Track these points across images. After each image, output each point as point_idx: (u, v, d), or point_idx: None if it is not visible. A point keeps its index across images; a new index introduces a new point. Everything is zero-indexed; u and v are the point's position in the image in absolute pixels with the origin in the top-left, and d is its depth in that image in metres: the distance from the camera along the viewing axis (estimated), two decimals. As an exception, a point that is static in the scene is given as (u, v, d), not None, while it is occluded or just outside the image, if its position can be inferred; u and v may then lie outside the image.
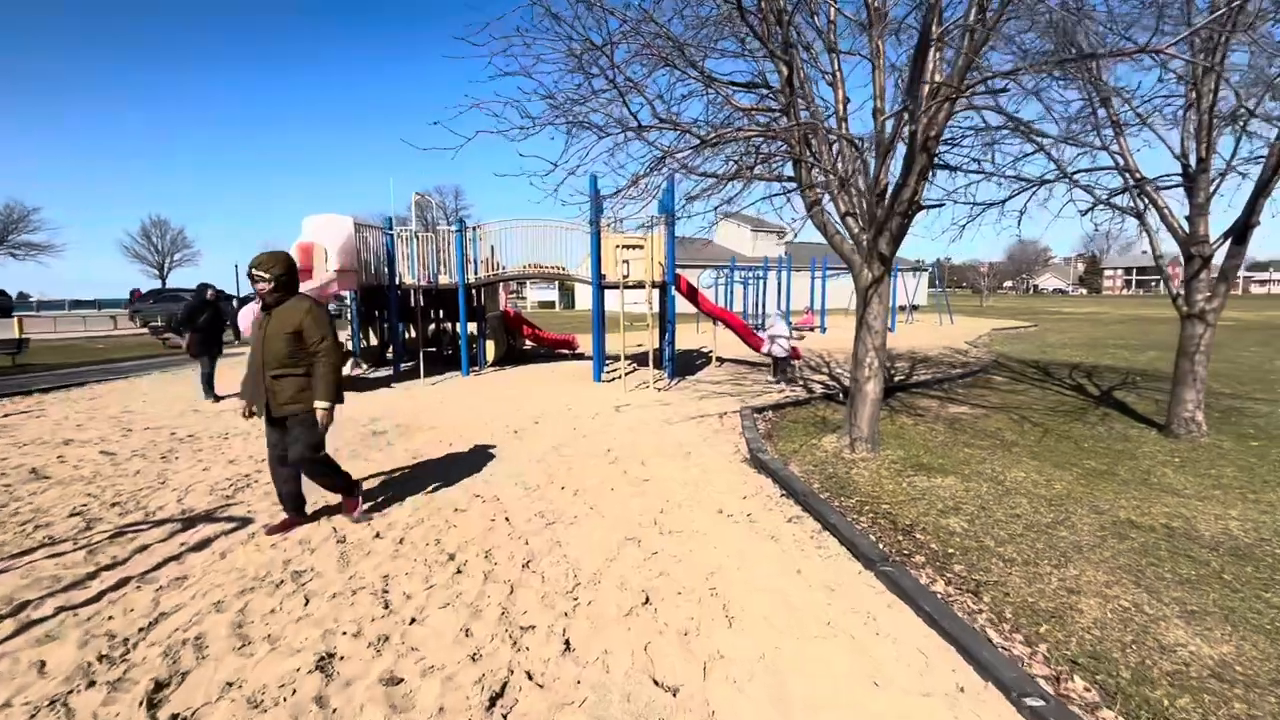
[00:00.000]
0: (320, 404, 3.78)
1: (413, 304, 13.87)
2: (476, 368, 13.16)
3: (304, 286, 10.40)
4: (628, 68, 5.05)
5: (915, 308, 35.37)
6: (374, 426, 7.45)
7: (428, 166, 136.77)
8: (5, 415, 8.14)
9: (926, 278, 45.03)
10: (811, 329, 23.65)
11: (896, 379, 10.94)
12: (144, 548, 3.80)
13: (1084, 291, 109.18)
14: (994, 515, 4.57)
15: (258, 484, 5.13)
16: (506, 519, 4.23)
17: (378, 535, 3.97)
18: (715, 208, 6.52)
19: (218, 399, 9.37)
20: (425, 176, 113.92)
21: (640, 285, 10.54)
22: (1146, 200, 6.58)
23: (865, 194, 5.59)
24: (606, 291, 11.68)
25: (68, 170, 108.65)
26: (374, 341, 14.42)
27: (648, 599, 3.14)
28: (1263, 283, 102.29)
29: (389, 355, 12.62)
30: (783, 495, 4.76)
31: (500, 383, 11.05)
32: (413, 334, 16.96)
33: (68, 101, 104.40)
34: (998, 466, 5.70)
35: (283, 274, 3.80)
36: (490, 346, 13.69)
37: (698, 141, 5.21)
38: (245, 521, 4.24)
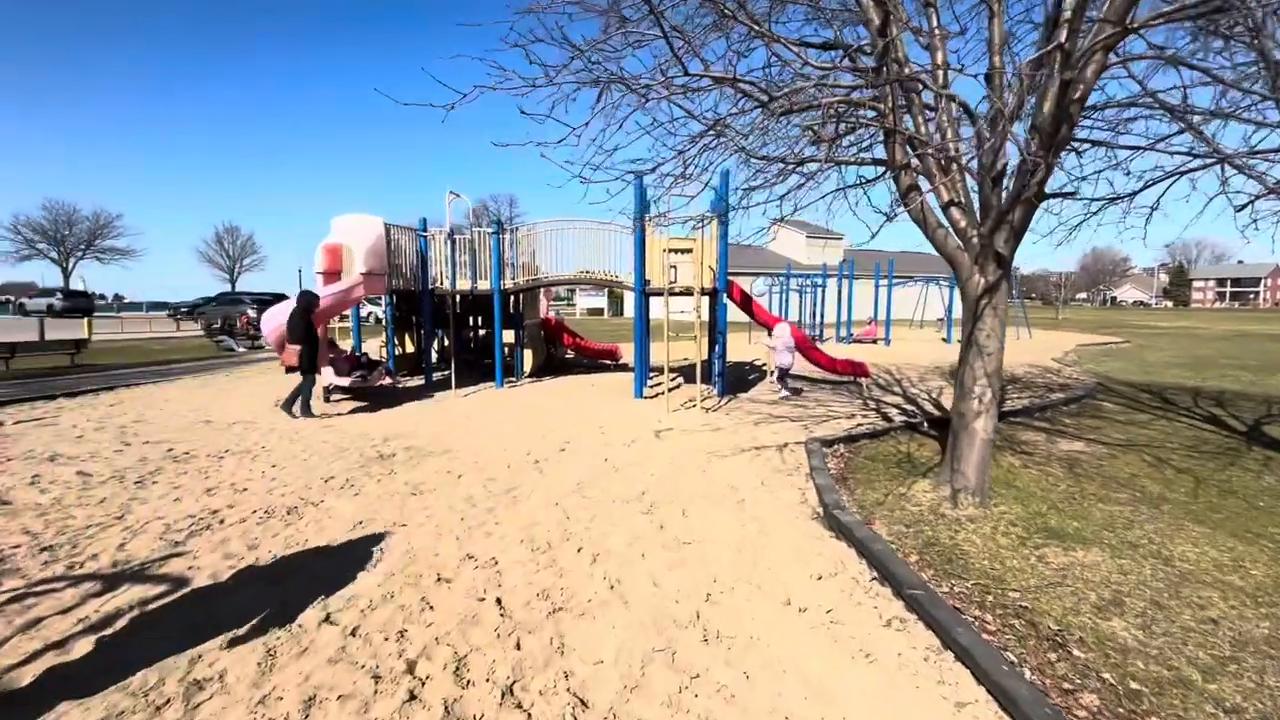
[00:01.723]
0: None
1: (448, 310, 13.20)
2: (513, 378, 12.33)
3: (330, 289, 9.79)
4: (673, 15, 3.98)
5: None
6: (384, 448, 6.60)
7: (488, 176, 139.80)
8: (16, 423, 7.73)
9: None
10: (874, 341, 21.93)
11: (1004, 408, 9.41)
12: (33, 624, 2.94)
13: (1169, 304, 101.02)
14: (1177, 618, 3.24)
15: (222, 525, 4.28)
16: (499, 600, 3.17)
17: (327, 619, 2.99)
18: (781, 197, 5.36)
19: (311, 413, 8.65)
20: (483, 184, 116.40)
21: (688, 292, 9.42)
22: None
23: (979, 175, 4.32)
24: (654, 298, 10.64)
25: (148, 176, 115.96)
26: (410, 349, 13.83)
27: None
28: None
29: (451, 362, 11.95)
30: (874, 578, 3.53)
31: (534, 396, 10.13)
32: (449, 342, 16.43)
33: (149, 107, 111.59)
34: (1154, 534, 4.31)
35: None
36: (528, 356, 12.84)
37: (760, 105, 4.06)
38: (176, 585, 3.35)
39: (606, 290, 51.14)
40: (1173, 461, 6.22)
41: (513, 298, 12.86)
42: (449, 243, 11.75)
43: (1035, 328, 27.22)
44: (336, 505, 4.70)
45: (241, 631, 2.86)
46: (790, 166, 5.56)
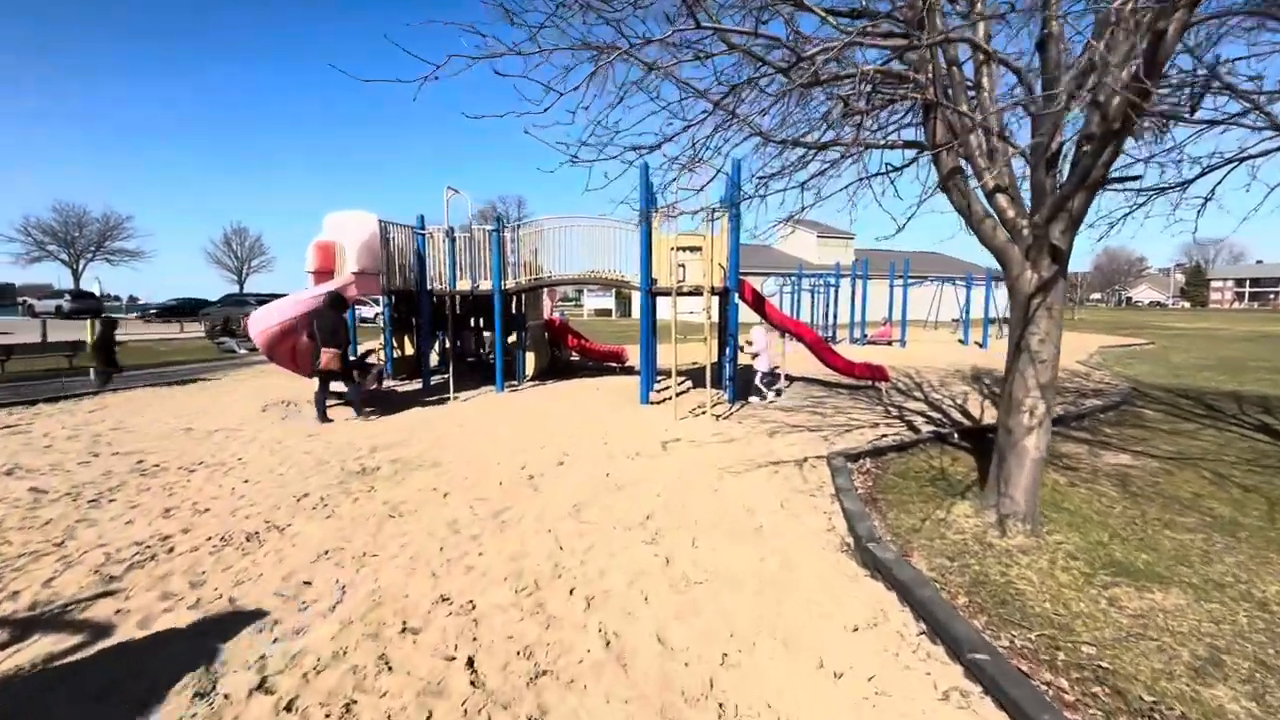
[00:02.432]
0: None
1: (447, 311, 12.72)
2: (514, 382, 11.82)
3: (321, 288, 9.33)
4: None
5: (1007, 320, 32.04)
6: (368, 460, 6.09)
7: (495, 177, 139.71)
8: (-15, 430, 7.30)
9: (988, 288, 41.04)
10: (889, 343, 21.27)
11: (1015, 410, 8.80)
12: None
13: (1185, 305, 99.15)
14: (1299, 685, 2.67)
15: (170, 555, 3.78)
16: (471, 661, 2.64)
17: (262, 684, 2.47)
18: (803, 184, 4.81)
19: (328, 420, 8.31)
20: (491, 186, 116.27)
21: (697, 292, 8.88)
22: None
23: (1033, 155, 3.75)
24: (662, 299, 10.11)
25: (159, 177, 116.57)
26: (410, 351, 13.36)
27: None
28: None
29: (450, 366, 11.46)
30: (921, 632, 2.96)
31: (535, 402, 9.61)
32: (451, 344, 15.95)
33: (161, 109, 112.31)
34: (1238, 569, 3.72)
35: None
36: (530, 359, 12.33)
37: (781, 70, 3.51)
38: (96, 634, 2.85)
39: (614, 291, 50.63)
40: (1235, 478, 5.60)
41: (514, 298, 12.36)
42: (448, 241, 11.27)
43: None
44: (304, 530, 4.19)
45: (153, 704, 2.34)
46: (812, 152, 5.03)
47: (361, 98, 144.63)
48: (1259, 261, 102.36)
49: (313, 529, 4.20)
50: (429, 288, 11.17)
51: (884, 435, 6.88)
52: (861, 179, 5.73)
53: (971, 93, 4.16)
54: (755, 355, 9.81)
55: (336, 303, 8.53)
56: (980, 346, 20.35)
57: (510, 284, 11.27)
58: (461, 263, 11.44)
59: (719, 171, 4.94)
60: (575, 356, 14.79)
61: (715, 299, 9.88)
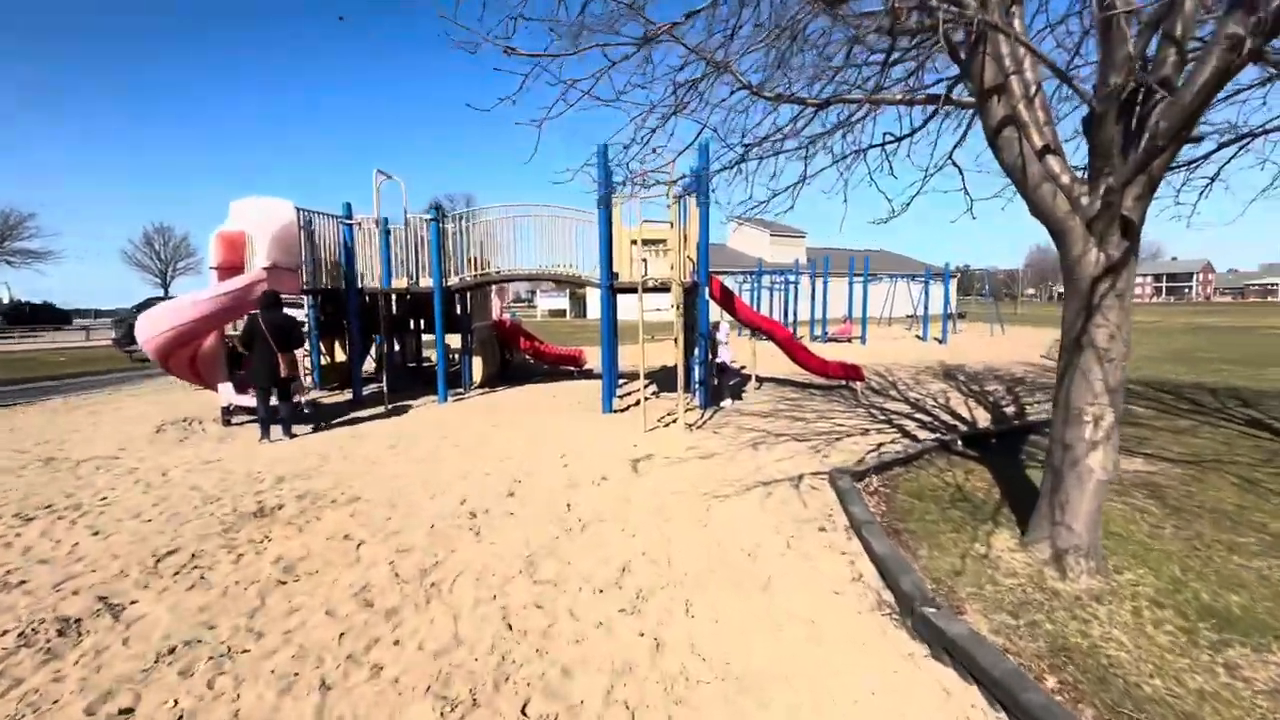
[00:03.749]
0: None
1: (382, 312, 11.41)
2: (460, 390, 10.64)
3: (223, 287, 7.95)
4: None
5: (963, 315, 32.48)
6: (271, 496, 4.90)
7: (444, 174, 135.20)
8: None
9: (954, 285, 41.95)
10: (849, 340, 20.94)
11: (1006, 409, 8.24)
12: None
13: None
14: None
15: (-70, 667, 2.58)
16: None
17: None
18: (803, 146, 3.94)
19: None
20: (437, 183, 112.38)
21: (663, 288, 7.96)
22: None
23: (1100, 98, 2.97)
24: (623, 296, 9.15)
25: (72, 177, 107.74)
26: (341, 358, 11.97)
27: None
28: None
29: (384, 373, 10.12)
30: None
31: (482, 414, 8.48)
32: (397, 348, 14.53)
33: (72, 109, 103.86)
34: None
35: None
36: (477, 364, 11.16)
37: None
38: None
39: (568, 290, 49.32)
40: (1264, 483, 5.06)
41: (458, 298, 11.17)
42: (382, 232, 9.99)
43: (990, 323, 26.55)
44: (151, 612, 3.03)
45: None
46: (805, 116, 4.18)
47: (297, 85, 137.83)
48: (1174, 258, 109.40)
49: (163, 610, 3.05)
50: (359, 285, 9.87)
51: (881, 445, 6.11)
52: (854, 152, 4.98)
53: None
54: (723, 344, 9.01)
55: (274, 301, 7.27)
56: (939, 342, 20.25)
57: (453, 281, 10.09)
58: (398, 257, 10.19)
59: (697, 138, 4.02)
60: (531, 360, 13.67)
61: (683, 295, 9.00)
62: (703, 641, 2.70)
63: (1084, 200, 3.19)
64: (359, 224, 9.71)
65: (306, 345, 11.44)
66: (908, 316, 29.05)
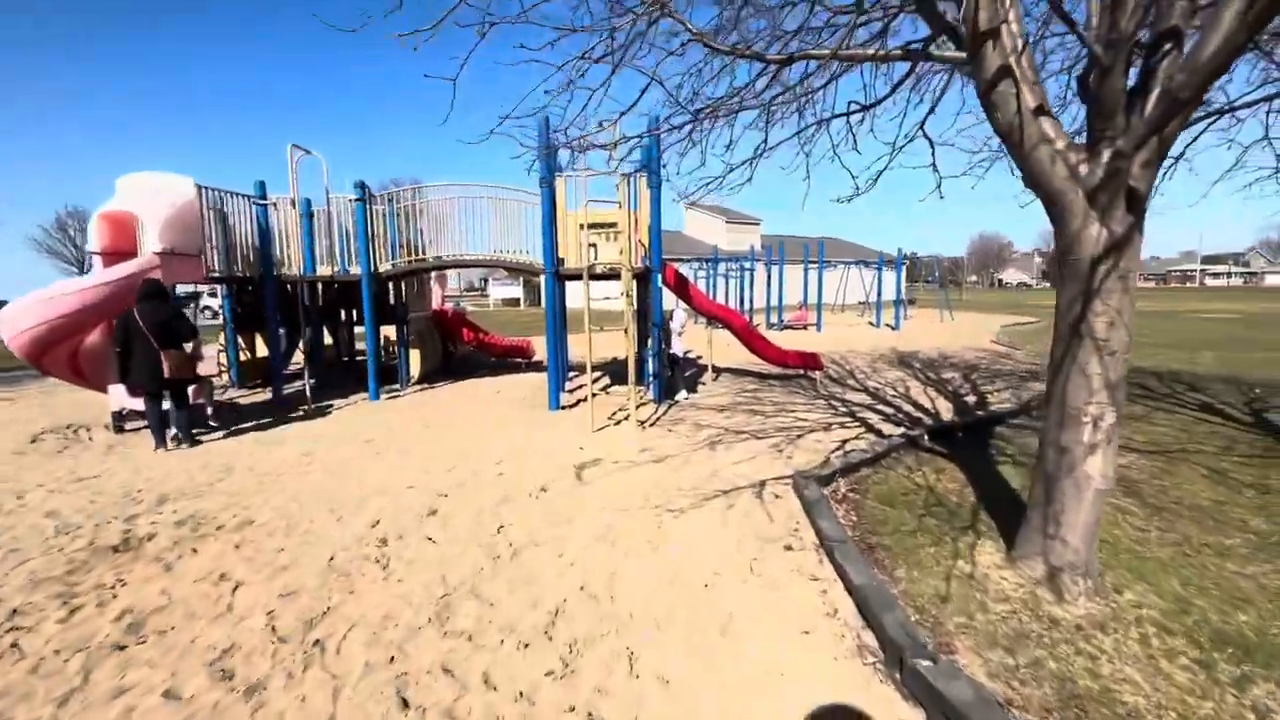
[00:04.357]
0: None
1: (308, 302, 10.43)
2: (396, 386, 9.81)
3: (107, 275, 6.93)
4: None
5: (913, 302, 32.98)
6: (144, 521, 4.11)
7: (388, 159, 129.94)
8: None
9: (903, 272, 42.72)
10: (805, 327, 20.83)
11: (966, 399, 8.02)
12: None
13: (1047, 285, 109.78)
14: None
15: None
16: None
17: None
18: (763, 111, 3.41)
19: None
20: (383, 168, 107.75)
21: (613, 274, 7.36)
22: None
23: (1106, 45, 2.53)
24: (575, 283, 8.50)
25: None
26: (264, 352, 10.92)
27: None
28: (1216, 275, 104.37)
29: (305, 369, 9.14)
30: None
31: (415, 413, 7.73)
32: (330, 341, 13.47)
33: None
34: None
35: None
36: (415, 357, 10.32)
37: None
38: None
39: (522, 278, 48.04)
40: (1231, 473, 4.89)
41: (393, 286, 10.29)
42: (305, 215, 9.04)
43: (938, 310, 26.98)
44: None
45: None
46: (770, 69, 3.64)
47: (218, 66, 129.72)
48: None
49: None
50: (279, 273, 8.90)
51: (845, 442, 5.71)
52: (819, 122, 4.50)
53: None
54: (677, 334, 8.50)
55: (156, 291, 6.27)
56: (892, 329, 20.34)
57: (385, 268, 9.23)
58: (324, 242, 9.26)
59: (639, 100, 3.43)
60: (479, 351, 12.86)
61: (635, 282, 8.43)
62: (650, 715, 2.16)
63: (1083, 169, 2.77)
64: (274, 204, 8.73)
65: (222, 340, 10.38)
66: (860, 303, 29.33)
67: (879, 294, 22.19)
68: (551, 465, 5.22)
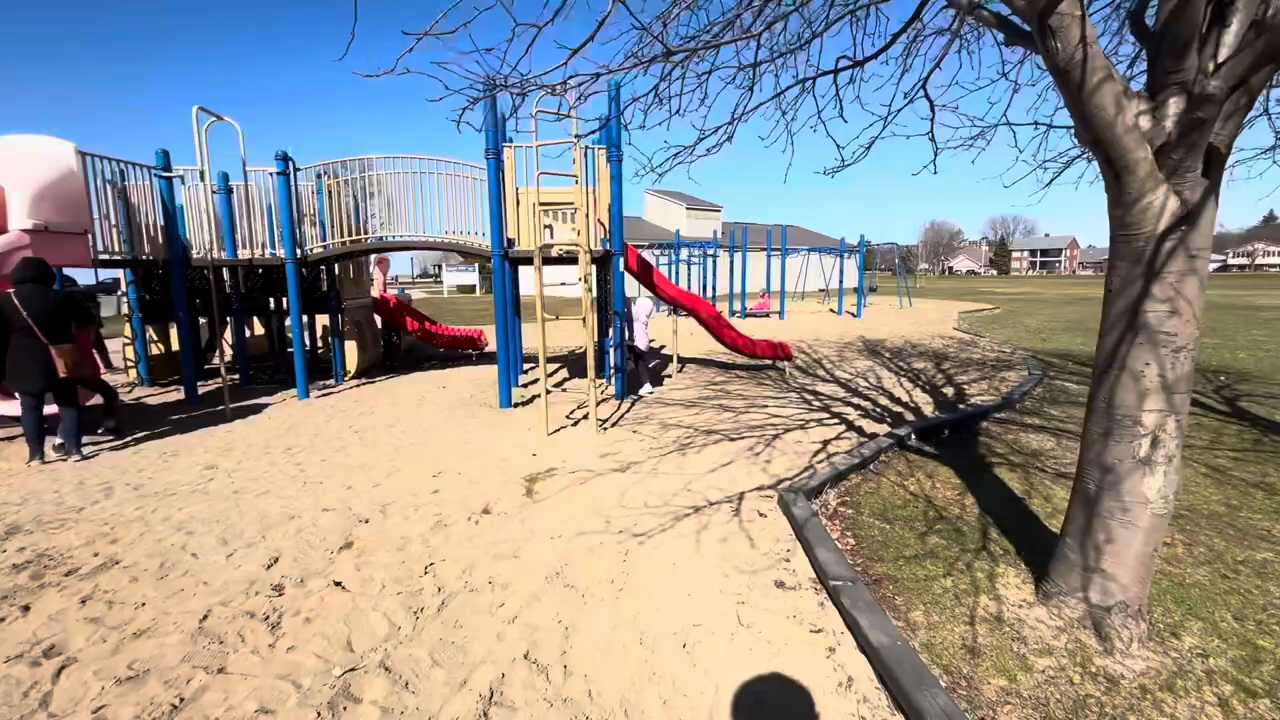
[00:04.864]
0: None
1: (228, 289, 9.34)
2: (330, 382, 8.88)
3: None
4: None
5: (874, 289, 33.11)
6: (-29, 567, 3.24)
7: (332, 139, 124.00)
8: None
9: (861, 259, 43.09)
10: (767, 314, 20.51)
11: (944, 390, 7.64)
12: None
13: (994, 272, 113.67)
14: None
15: None
16: None
17: None
18: (747, 38, 2.78)
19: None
20: (323, 146, 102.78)
21: (568, 259, 6.64)
22: None
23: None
24: (529, 268, 7.73)
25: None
26: (175, 347, 9.78)
27: None
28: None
29: (221, 366, 8.07)
30: None
31: (347, 415, 6.88)
32: (260, 332, 12.30)
33: None
34: None
35: None
36: (350, 351, 9.38)
37: None
38: None
39: (478, 264, 46.42)
40: (1233, 472, 4.58)
41: (325, 271, 9.30)
42: (223, 190, 7.98)
43: (898, 297, 27.09)
44: None
45: None
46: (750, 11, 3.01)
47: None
48: (1046, 235, 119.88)
49: None
50: (185, 255, 7.83)
51: (826, 443, 5.19)
52: (801, 82, 3.91)
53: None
54: (640, 323, 7.87)
55: (38, 274, 5.27)
56: (854, 316, 20.21)
57: (314, 250, 8.27)
58: (245, 222, 8.22)
59: (598, 30, 2.74)
60: (434, 342, 11.93)
61: (594, 266, 7.73)
62: None
63: (1144, 122, 2.22)
64: (179, 177, 7.64)
65: (129, 332, 9.19)
66: (820, 290, 29.28)
67: (841, 281, 22.03)
68: (498, 478, 4.52)
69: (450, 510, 3.88)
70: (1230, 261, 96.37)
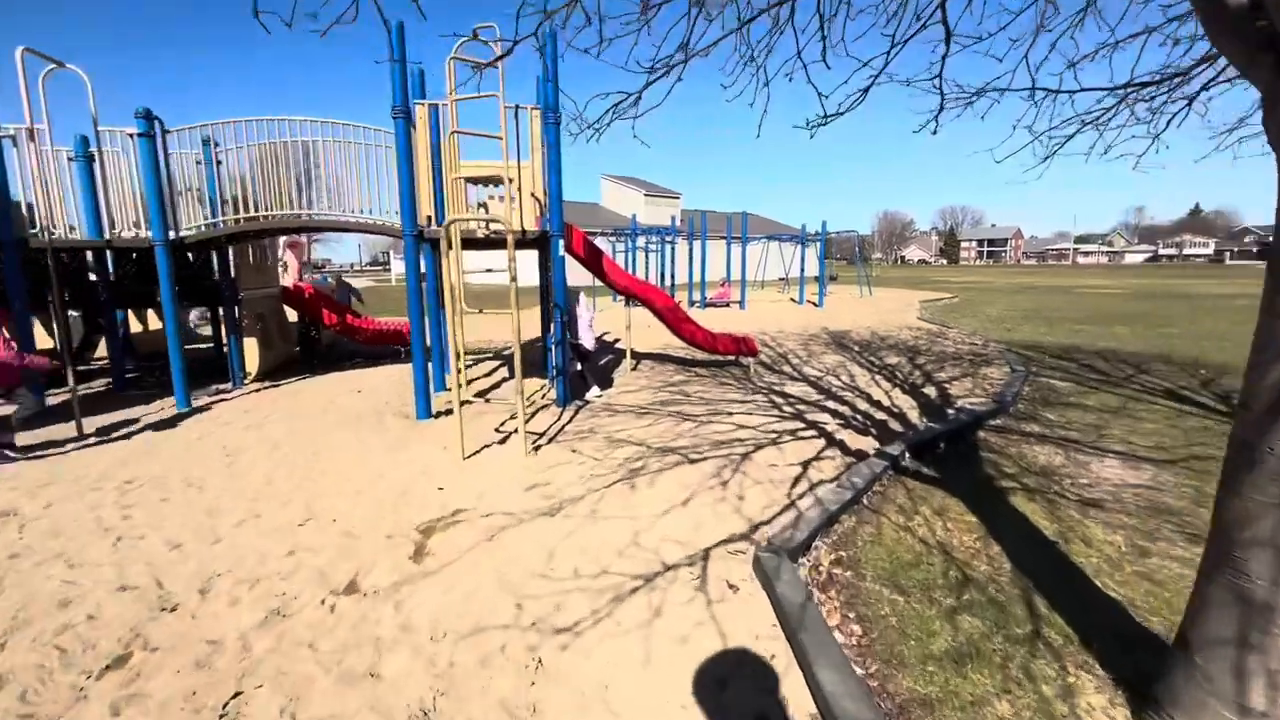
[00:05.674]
0: None
1: (95, 276, 7.83)
2: (225, 386, 7.53)
3: None
4: None
5: (834, 278, 32.78)
6: None
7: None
8: None
9: (822, 247, 42.95)
10: (728, 304, 19.69)
11: (925, 390, 6.86)
12: None
13: (944, 261, 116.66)
14: None
15: None
16: None
17: None
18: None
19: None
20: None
21: (497, 241, 5.52)
22: None
23: None
24: (471, 253, 6.55)
25: None
26: (48, 344, 8.20)
27: None
28: (1086, 253, 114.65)
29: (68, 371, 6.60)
30: None
31: (229, 430, 5.62)
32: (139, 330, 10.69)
33: None
34: None
35: None
36: (250, 350, 8.02)
37: None
38: None
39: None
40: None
41: (216, 255, 7.90)
42: (81, 157, 6.53)
43: (858, 286, 26.69)
44: None
45: None
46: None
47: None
48: (993, 225, 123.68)
49: None
50: (26, 235, 6.35)
51: (806, 464, 4.27)
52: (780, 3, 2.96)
53: None
54: (583, 319, 6.83)
55: None
56: (815, 305, 19.60)
57: (193, 230, 6.90)
58: (111, 195, 6.76)
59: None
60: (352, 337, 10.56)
61: (531, 250, 6.61)
62: None
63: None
64: (9, 136, 6.15)
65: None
66: (780, 279, 28.69)
67: (802, 270, 21.41)
68: (384, 527, 3.42)
69: (300, 586, 2.77)
70: (1161, 252, 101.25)
